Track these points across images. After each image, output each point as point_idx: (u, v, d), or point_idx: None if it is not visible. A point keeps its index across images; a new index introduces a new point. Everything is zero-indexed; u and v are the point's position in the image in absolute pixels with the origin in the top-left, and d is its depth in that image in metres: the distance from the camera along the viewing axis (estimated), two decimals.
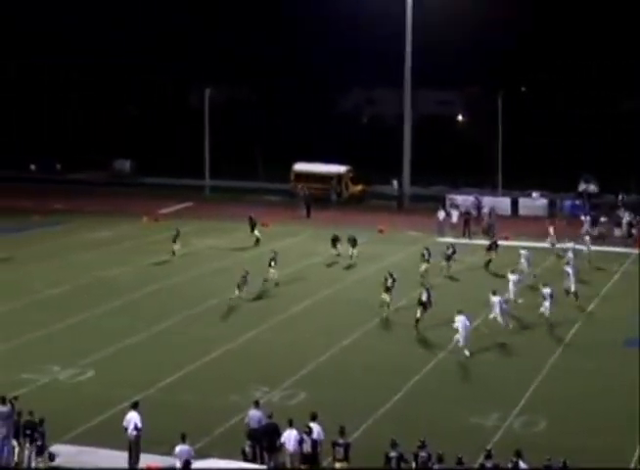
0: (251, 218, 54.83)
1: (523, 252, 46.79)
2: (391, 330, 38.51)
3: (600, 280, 47.29)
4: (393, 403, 30.25)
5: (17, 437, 24.87)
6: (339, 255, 49.90)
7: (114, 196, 74.19)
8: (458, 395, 31.30)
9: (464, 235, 57.87)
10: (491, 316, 37.98)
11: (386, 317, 39.58)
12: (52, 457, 24.13)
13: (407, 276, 44.66)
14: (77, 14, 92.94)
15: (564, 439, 27.39)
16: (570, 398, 31.10)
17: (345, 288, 45.30)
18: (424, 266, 46.19)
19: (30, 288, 44.00)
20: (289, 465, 24.59)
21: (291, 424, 24.63)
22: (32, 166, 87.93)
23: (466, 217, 59.36)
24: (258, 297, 42.79)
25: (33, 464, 24.50)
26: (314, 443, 24.26)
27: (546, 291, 39.20)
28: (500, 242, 51.82)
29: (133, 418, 25.12)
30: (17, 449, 24.85)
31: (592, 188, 71.91)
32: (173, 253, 50.16)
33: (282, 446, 24.57)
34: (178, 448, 23.88)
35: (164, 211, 67.10)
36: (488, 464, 23.14)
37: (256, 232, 54.27)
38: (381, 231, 59.41)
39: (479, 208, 64.50)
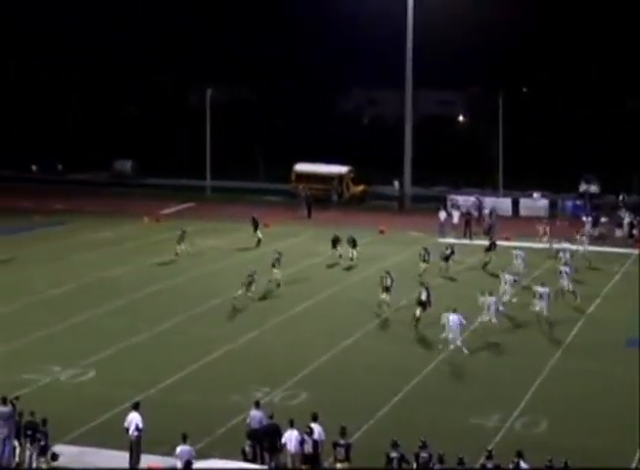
0: (254, 219, 54.87)
1: (517, 252, 46.92)
2: (392, 330, 38.50)
3: (601, 280, 47.29)
4: (394, 404, 30.25)
5: (18, 437, 24.88)
6: (340, 256, 49.87)
7: (115, 196, 74.27)
8: (459, 395, 31.29)
9: (465, 236, 57.87)
10: (486, 318, 37.91)
11: (386, 318, 39.60)
12: (55, 457, 24.14)
13: (408, 277, 44.67)
14: (77, 14, 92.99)
15: (565, 439, 27.39)
16: (570, 398, 31.10)
17: (347, 288, 45.30)
18: (422, 266, 46.33)
19: (32, 288, 44.00)
20: (290, 466, 24.58)
21: (292, 424, 24.62)
22: (34, 167, 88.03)
23: (467, 218, 59.37)
24: (260, 297, 42.75)
25: (35, 464, 24.51)
26: (315, 443, 24.26)
27: (542, 290, 39.27)
28: (501, 243, 51.85)
29: (134, 419, 25.12)
30: (18, 450, 24.86)
31: (593, 188, 71.97)
32: (177, 253, 50.16)
33: (283, 446, 24.58)
34: (179, 449, 23.88)
35: (166, 211, 67.14)
36: (489, 465, 23.13)
37: (259, 233, 54.29)
38: (382, 232, 59.42)
39: (479, 208, 64.52)
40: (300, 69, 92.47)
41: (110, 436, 26.44)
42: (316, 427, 24.52)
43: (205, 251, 52.66)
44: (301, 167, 74.78)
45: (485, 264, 49.25)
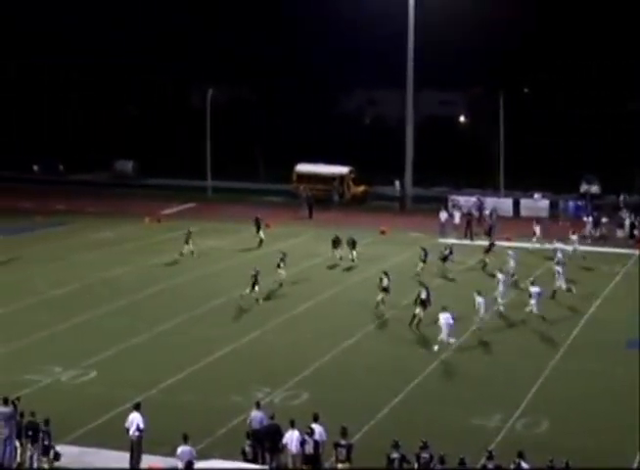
0: (257, 219, 54.90)
1: (510, 252, 47.03)
2: (393, 331, 38.49)
3: (602, 281, 47.28)
4: (395, 404, 30.26)
5: (19, 437, 24.90)
6: (340, 258, 49.82)
7: (116, 197, 74.32)
8: (460, 396, 31.30)
9: (466, 236, 57.87)
10: (481, 317, 37.85)
11: (386, 318, 39.59)
12: (57, 457, 24.15)
13: (409, 277, 44.64)
14: (77, 14, 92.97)
15: (566, 439, 27.40)
16: (571, 398, 31.11)
17: (347, 289, 45.30)
18: (419, 266, 46.39)
19: (33, 289, 44.03)
20: (291, 466, 24.60)
21: (293, 425, 24.62)
22: (35, 167, 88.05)
23: (468, 218, 59.37)
24: (264, 298, 42.67)
25: (36, 464, 24.54)
26: (316, 444, 24.27)
27: (533, 289, 39.40)
28: (501, 243, 51.82)
29: (135, 419, 25.14)
30: (19, 450, 24.88)
31: (594, 189, 71.97)
32: (181, 253, 50.12)
33: (284, 447, 24.59)
34: (180, 449, 23.88)
35: (167, 211, 67.16)
36: (490, 465, 23.13)
37: (261, 233, 54.30)
38: (383, 232, 59.41)
39: (480, 209, 64.51)
40: (301, 69, 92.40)
41: (110, 436, 26.46)
42: (317, 427, 24.53)
43: (207, 251, 52.63)
44: (303, 168, 74.79)
45: (485, 265, 49.23)
